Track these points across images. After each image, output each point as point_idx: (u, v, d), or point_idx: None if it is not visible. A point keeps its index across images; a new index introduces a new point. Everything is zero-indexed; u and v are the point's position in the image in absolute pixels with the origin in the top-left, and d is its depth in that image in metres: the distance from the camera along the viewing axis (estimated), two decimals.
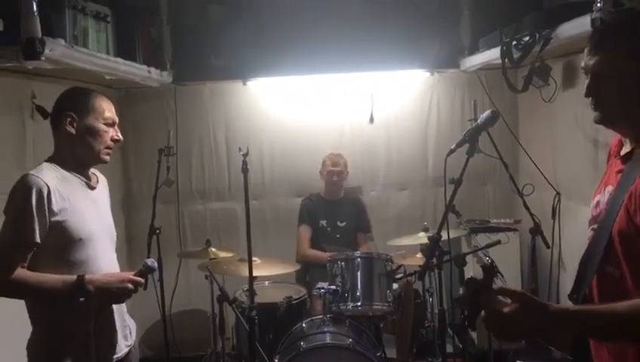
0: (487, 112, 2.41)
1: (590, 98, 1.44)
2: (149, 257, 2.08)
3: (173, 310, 3.97)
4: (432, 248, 2.60)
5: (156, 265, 2.08)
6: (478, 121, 2.43)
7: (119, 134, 2.09)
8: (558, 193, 3.45)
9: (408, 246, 3.59)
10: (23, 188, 1.87)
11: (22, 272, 1.85)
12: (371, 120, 4.37)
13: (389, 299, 3.17)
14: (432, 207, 4.44)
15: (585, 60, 1.44)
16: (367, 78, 4.29)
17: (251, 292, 2.62)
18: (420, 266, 3.05)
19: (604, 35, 1.44)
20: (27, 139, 2.89)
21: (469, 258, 3.40)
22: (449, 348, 3.45)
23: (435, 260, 2.70)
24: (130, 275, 1.98)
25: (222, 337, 3.50)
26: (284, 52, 3.95)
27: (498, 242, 3.31)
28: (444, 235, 2.55)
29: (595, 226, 1.49)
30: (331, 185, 4.08)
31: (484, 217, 4.17)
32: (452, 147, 2.39)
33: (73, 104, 2.00)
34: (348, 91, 4.39)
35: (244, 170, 2.57)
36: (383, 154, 4.47)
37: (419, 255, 3.43)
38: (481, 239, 3.68)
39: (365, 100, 4.38)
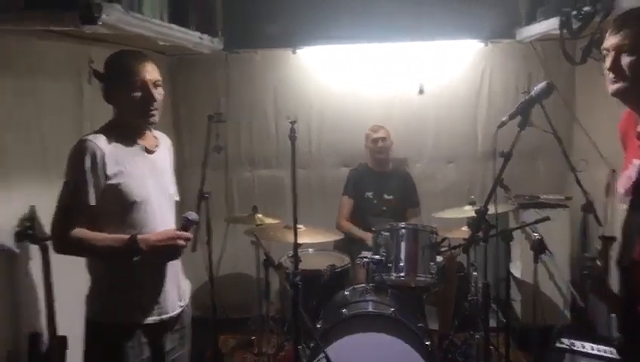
0: (542, 84, 2.34)
1: (612, 72, 1.61)
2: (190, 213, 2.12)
3: (220, 273, 4.09)
4: (479, 221, 2.57)
5: (195, 216, 2.10)
6: (532, 93, 2.35)
7: (159, 94, 2.06)
8: (613, 170, 3.34)
9: (454, 219, 3.57)
10: (78, 152, 1.95)
11: (80, 232, 1.94)
12: (421, 91, 4.32)
13: (433, 271, 3.16)
14: (479, 180, 4.38)
15: (608, 40, 1.61)
16: (418, 47, 4.23)
17: (296, 259, 2.66)
18: (465, 239, 3.03)
19: (627, 16, 1.62)
20: (84, 103, 2.98)
21: (516, 233, 3.36)
22: (492, 323, 3.43)
23: (481, 234, 2.67)
24: (177, 231, 2.03)
25: (266, 301, 3.59)
26: (334, 20, 3.92)
27: (547, 218, 3.25)
28: (491, 209, 2.52)
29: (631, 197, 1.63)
30: (377, 153, 4.06)
31: (534, 193, 4.08)
32: (503, 119, 2.33)
33: (114, 68, 2.05)
34: (398, 61, 4.34)
35: (292, 137, 2.58)
36: (431, 126, 4.41)
37: (464, 228, 3.41)
38: (530, 215, 3.63)
39: (415, 71, 4.32)
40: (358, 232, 3.93)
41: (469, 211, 3.39)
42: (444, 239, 3.32)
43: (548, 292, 3.76)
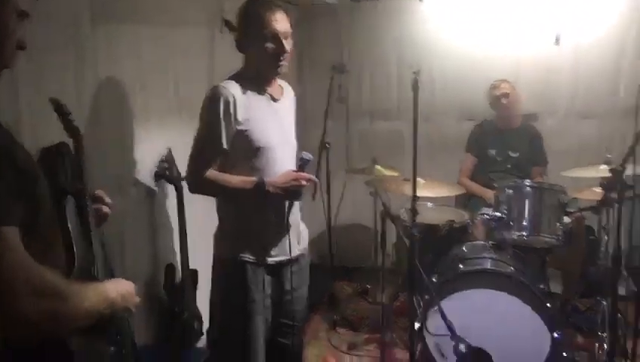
0: None
1: None
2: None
3: (337, 222, 4.18)
4: (614, 182, 2.38)
5: (309, 155, 2.15)
6: None
7: (286, 44, 2.08)
8: None
9: (585, 179, 3.33)
10: (212, 98, 2.04)
11: (212, 173, 2.07)
12: (557, 41, 4.01)
13: (558, 233, 3.01)
14: (618, 138, 4.03)
15: None
16: None
17: (413, 211, 2.65)
18: (597, 201, 2.83)
19: None
20: (215, 52, 3.11)
21: None
22: (621, 291, 3.22)
23: (615, 195, 2.48)
24: (298, 172, 2.10)
25: (382, 252, 3.63)
26: None
27: None
28: (629, 169, 2.32)
29: None
30: (502, 110, 3.86)
31: None
32: None
33: (247, 19, 2.09)
34: (532, 8, 4.04)
35: (415, 88, 2.53)
36: (566, 80, 4.11)
37: (597, 189, 3.18)
38: None
39: (551, 19, 4.00)
40: (479, 189, 3.82)
41: (603, 171, 3.15)
42: (573, 199, 3.13)
43: None
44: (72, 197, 1.41)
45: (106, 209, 1.56)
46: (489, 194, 3.56)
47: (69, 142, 1.60)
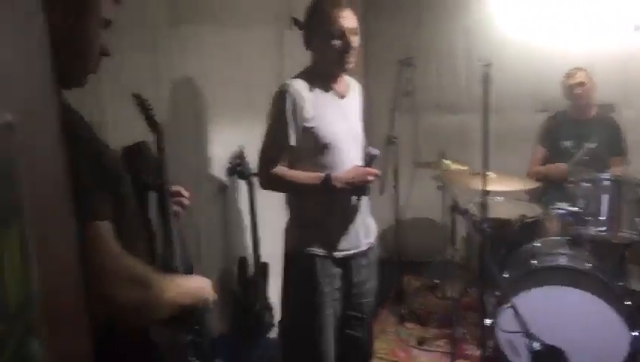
0: None
1: None
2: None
3: (406, 217, 4.16)
4: None
5: (376, 150, 2.14)
6: None
7: (353, 41, 2.08)
8: None
9: None
10: (280, 96, 2.09)
11: (281, 169, 2.12)
12: (637, 28, 3.81)
13: (639, 228, 2.87)
14: None
15: None
16: None
17: (484, 205, 2.61)
18: None
19: None
20: (284, 50, 3.17)
21: None
22: None
23: None
24: (364, 168, 2.11)
25: (452, 246, 3.59)
26: None
27: None
28: None
29: None
30: (577, 100, 3.71)
31: None
32: None
33: (314, 16, 2.12)
34: None
35: (485, 80, 2.48)
36: None
37: None
38: None
39: (629, 7, 3.81)
40: (547, 169, 3.67)
41: None
42: None
43: None
44: (154, 192, 1.49)
45: (185, 201, 1.63)
46: (561, 167, 3.44)
47: (150, 137, 1.68)
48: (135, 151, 1.79)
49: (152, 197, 1.47)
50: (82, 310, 0.78)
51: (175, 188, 1.64)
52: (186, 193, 1.65)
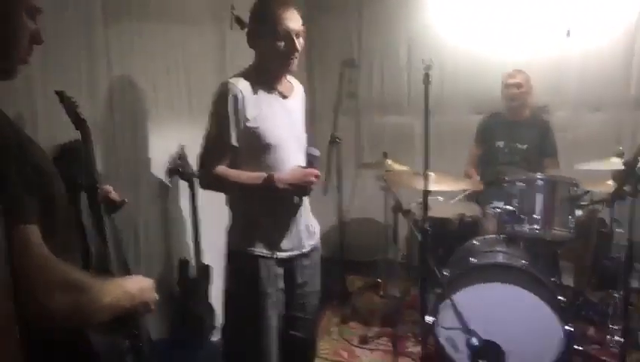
0: None
1: None
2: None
3: (349, 217, 4.19)
4: (627, 174, 2.38)
5: (317, 151, 2.15)
6: None
7: (300, 44, 2.09)
8: None
9: (598, 172, 3.31)
10: (221, 95, 2.05)
11: (222, 169, 2.08)
12: (568, 33, 3.98)
13: (571, 226, 3.00)
14: (630, 130, 4.00)
15: None
16: None
17: (425, 205, 2.66)
18: (609, 194, 2.82)
19: None
20: (226, 48, 3.13)
21: None
22: (634, 283, 3.21)
23: (628, 188, 2.47)
24: (306, 169, 2.11)
25: (394, 246, 3.64)
26: None
27: None
28: None
29: None
30: (511, 101, 3.83)
31: None
32: None
33: (259, 15, 2.10)
34: (542, 1, 4.02)
35: (426, 81, 2.53)
36: (576, 71, 4.06)
37: (610, 182, 3.17)
38: None
39: (562, 12, 3.98)
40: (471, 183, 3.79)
41: (615, 164, 3.13)
42: (585, 192, 3.11)
43: None
44: (85, 192, 1.43)
45: (114, 195, 1.58)
46: (478, 183, 3.55)
47: (78, 134, 1.62)
48: (67, 151, 1.73)
49: (84, 197, 1.42)
50: (11, 320, 0.74)
51: (104, 187, 1.59)
52: (114, 193, 1.60)
